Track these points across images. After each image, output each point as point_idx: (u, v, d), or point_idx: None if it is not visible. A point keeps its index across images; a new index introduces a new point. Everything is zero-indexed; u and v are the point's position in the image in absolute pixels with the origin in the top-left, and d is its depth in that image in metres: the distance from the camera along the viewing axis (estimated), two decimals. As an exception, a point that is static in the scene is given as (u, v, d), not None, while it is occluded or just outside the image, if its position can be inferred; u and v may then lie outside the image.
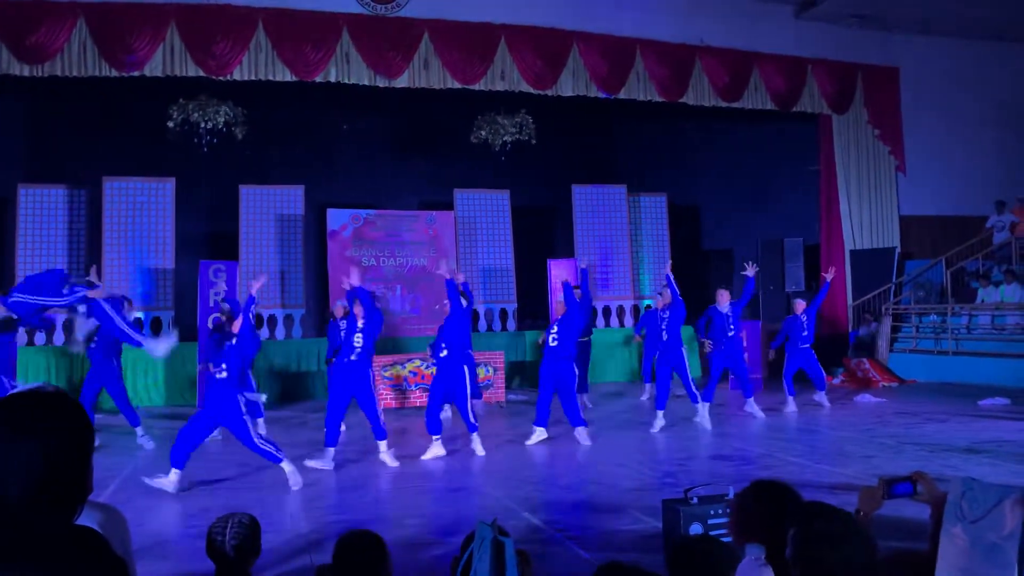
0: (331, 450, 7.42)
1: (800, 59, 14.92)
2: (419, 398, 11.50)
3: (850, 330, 15.13)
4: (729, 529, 2.54)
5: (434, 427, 7.87)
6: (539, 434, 8.63)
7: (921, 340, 14.28)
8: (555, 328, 8.81)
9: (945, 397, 11.44)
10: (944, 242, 15.28)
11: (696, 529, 4.39)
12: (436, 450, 7.84)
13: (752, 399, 10.12)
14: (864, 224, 15.71)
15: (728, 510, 4.46)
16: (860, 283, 15.33)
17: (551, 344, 8.73)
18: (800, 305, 11.10)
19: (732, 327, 10.24)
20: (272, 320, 13.71)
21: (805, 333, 10.92)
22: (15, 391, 1.59)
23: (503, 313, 14.84)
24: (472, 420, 8.05)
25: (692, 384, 9.72)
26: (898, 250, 15.49)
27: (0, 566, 1.34)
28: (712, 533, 4.27)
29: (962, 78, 15.98)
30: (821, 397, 10.92)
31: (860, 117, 15.68)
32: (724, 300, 10.42)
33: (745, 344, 13.06)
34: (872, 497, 2.43)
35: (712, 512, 4.47)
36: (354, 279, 7.73)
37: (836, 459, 7.37)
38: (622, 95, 13.82)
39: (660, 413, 9.24)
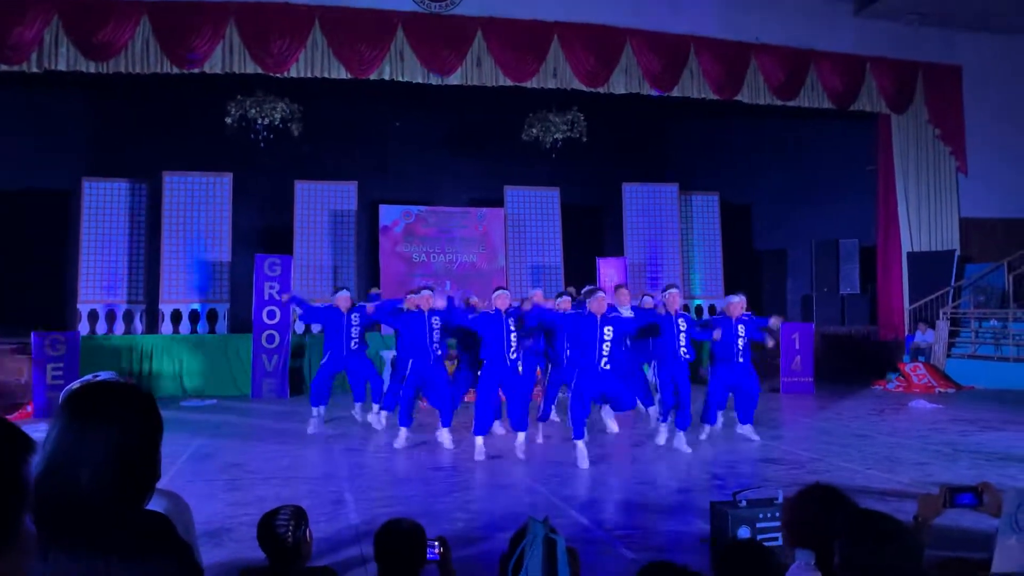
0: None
1: (858, 57, 14.62)
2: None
3: (906, 334, 14.81)
4: (782, 532, 2.52)
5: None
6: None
7: (981, 346, 13.93)
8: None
9: (1004, 404, 11.15)
10: (1007, 245, 14.85)
11: (744, 533, 4.35)
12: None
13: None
14: (922, 226, 15.34)
15: (779, 513, 4.44)
16: (917, 286, 14.99)
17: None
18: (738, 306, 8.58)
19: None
20: (324, 313, 13.94)
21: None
22: (88, 380, 1.66)
23: (552, 310, 14.84)
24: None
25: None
26: (957, 253, 15.11)
27: (76, 548, 1.42)
28: (760, 537, 4.25)
29: (1027, 76, 15.52)
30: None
31: (920, 116, 15.31)
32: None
33: (797, 347, 12.91)
34: (933, 505, 2.39)
35: (761, 515, 4.43)
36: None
37: (888, 465, 7.23)
38: (675, 93, 13.70)
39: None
